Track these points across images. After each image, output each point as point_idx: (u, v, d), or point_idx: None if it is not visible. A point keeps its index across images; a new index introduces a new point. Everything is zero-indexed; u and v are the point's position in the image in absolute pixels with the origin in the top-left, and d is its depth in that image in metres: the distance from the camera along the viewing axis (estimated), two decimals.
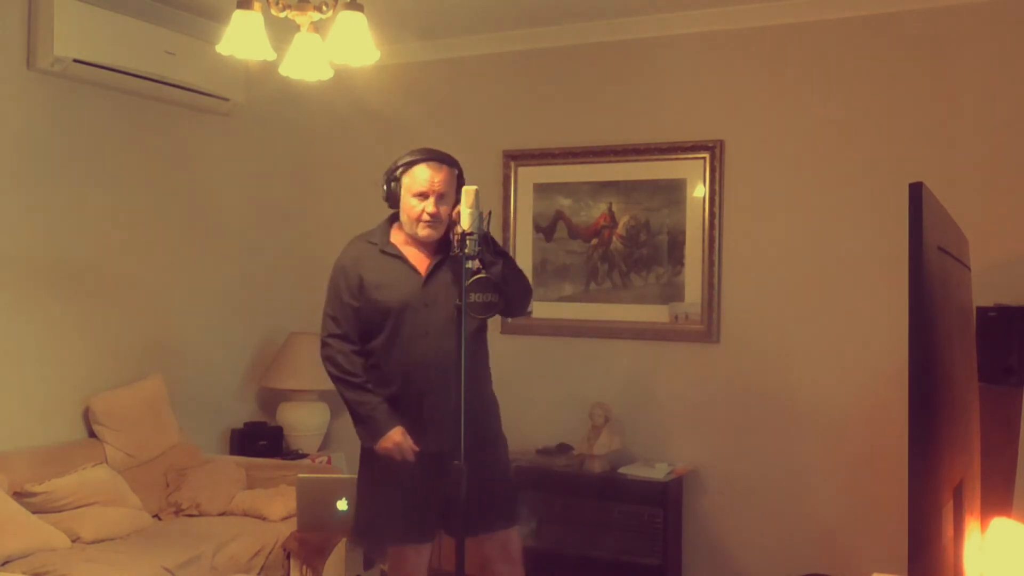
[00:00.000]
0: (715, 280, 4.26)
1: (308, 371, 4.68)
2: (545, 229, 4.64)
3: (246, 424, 4.80)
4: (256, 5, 2.67)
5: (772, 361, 4.16)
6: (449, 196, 2.92)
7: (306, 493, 3.50)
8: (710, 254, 4.26)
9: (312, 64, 2.79)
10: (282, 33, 3.05)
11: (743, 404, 4.20)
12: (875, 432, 3.89)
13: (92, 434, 3.97)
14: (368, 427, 2.91)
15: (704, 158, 4.29)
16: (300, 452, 4.79)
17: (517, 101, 4.70)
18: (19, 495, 3.43)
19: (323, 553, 3.68)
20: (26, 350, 3.81)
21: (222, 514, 3.93)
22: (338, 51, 2.68)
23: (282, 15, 2.69)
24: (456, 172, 2.98)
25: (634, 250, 4.44)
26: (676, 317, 4.35)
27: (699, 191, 4.30)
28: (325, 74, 2.84)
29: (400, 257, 2.96)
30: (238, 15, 2.66)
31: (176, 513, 3.93)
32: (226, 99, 4.53)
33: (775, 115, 4.17)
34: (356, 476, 3.11)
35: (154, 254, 4.40)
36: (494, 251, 2.88)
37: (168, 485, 4.06)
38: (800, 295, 4.12)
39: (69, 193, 3.98)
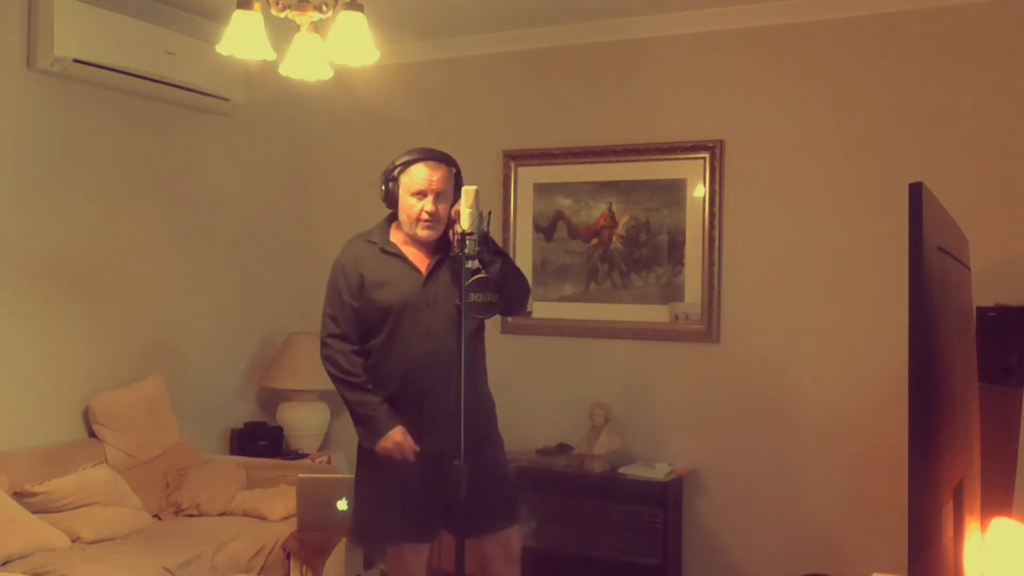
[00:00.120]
0: (715, 280, 4.26)
1: (308, 371, 4.68)
2: (545, 229, 4.64)
3: (246, 424, 4.80)
4: (256, 5, 2.67)
5: (772, 361, 4.16)
6: (447, 195, 2.92)
7: (306, 493, 3.50)
8: (710, 254, 4.26)
9: (312, 64, 2.79)
10: (282, 33, 3.05)
11: (743, 404, 4.20)
12: (875, 432, 3.89)
13: (92, 434, 3.97)
14: (368, 427, 2.91)
15: (704, 158, 4.29)
16: (300, 452, 4.79)
17: (517, 101, 4.70)
18: (19, 495, 3.43)
19: (323, 553, 3.68)
20: (26, 350, 3.81)
21: (222, 514, 3.93)
22: (338, 51, 2.68)
23: (282, 15, 2.69)
24: (454, 171, 2.97)
25: (634, 250, 4.44)
26: (676, 317, 4.35)
27: (699, 191, 4.30)
28: (325, 74, 2.84)
29: (400, 256, 2.96)
30: (238, 15, 2.66)
31: (176, 513, 3.93)
32: (226, 99, 4.53)
33: (775, 115, 4.17)
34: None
35: (154, 254, 4.39)
36: (492, 250, 2.88)
37: (168, 485, 4.06)
38: (800, 295, 4.12)
39: (69, 193, 3.98)
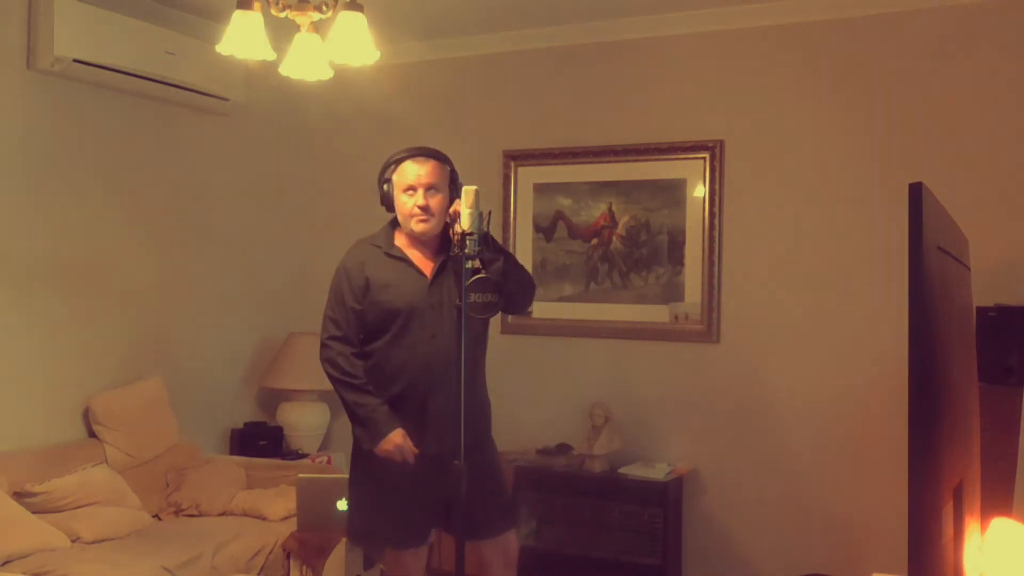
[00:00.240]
0: (715, 280, 4.26)
1: (308, 371, 4.67)
2: (545, 229, 4.64)
3: (246, 424, 4.80)
4: (256, 5, 2.67)
5: (772, 361, 4.16)
6: (439, 188, 2.92)
7: (306, 493, 3.50)
8: (710, 254, 4.26)
9: (312, 64, 2.79)
10: (282, 33, 3.05)
11: (743, 404, 4.20)
12: (874, 432, 3.89)
13: (92, 434, 3.97)
14: (369, 429, 2.90)
15: (704, 158, 4.29)
16: (300, 452, 4.79)
17: (517, 101, 4.70)
18: (19, 495, 3.43)
19: (323, 553, 3.67)
20: (26, 350, 3.81)
21: (222, 514, 3.93)
22: (338, 51, 2.68)
23: (282, 15, 2.69)
24: (445, 166, 2.97)
25: (634, 250, 4.44)
26: (676, 317, 4.35)
27: (699, 191, 4.30)
28: (325, 74, 2.84)
29: (405, 259, 2.96)
30: (238, 15, 2.66)
31: (176, 513, 3.93)
32: (226, 99, 4.53)
33: (775, 115, 4.17)
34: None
35: (154, 254, 4.40)
36: (494, 249, 2.88)
37: (168, 485, 4.07)
38: (800, 295, 4.12)
39: (69, 193, 3.98)
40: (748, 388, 4.20)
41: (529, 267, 4.56)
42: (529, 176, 4.67)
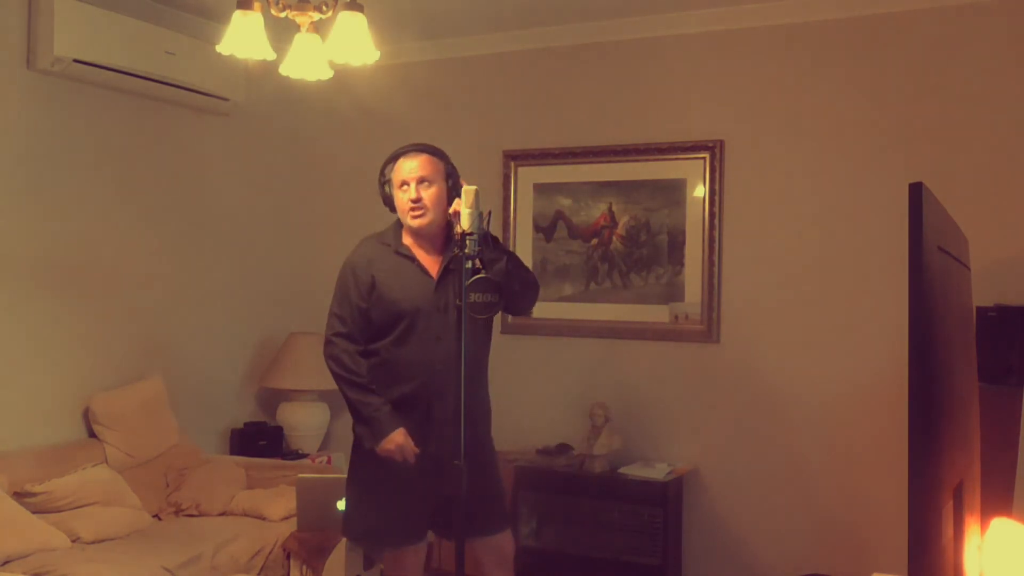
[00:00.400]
0: (715, 280, 4.26)
1: (308, 371, 4.68)
2: (545, 229, 4.64)
3: (246, 424, 4.80)
4: (256, 5, 2.67)
5: (772, 361, 4.16)
6: (432, 181, 2.92)
7: (306, 493, 3.50)
8: (710, 254, 4.26)
9: (312, 64, 2.79)
10: (282, 33, 3.05)
11: (743, 404, 4.20)
12: (875, 432, 3.89)
13: (92, 434, 3.97)
14: (371, 428, 2.89)
15: (704, 158, 4.29)
16: (300, 452, 4.79)
17: (517, 101, 4.70)
18: (19, 495, 3.43)
19: (323, 553, 3.67)
20: (26, 350, 3.81)
21: (222, 514, 3.93)
22: (338, 51, 2.69)
23: (282, 15, 2.69)
24: (439, 160, 2.97)
25: (634, 250, 4.44)
26: (676, 317, 4.35)
27: (699, 191, 4.30)
28: (325, 74, 2.84)
29: (412, 259, 2.96)
30: (238, 15, 2.66)
31: (176, 513, 3.94)
32: (226, 99, 4.53)
33: (775, 115, 4.17)
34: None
35: (154, 254, 4.40)
36: (497, 248, 2.88)
37: (168, 485, 4.07)
38: (800, 295, 4.12)
39: (69, 193, 3.98)
40: (748, 388, 4.20)
41: (529, 267, 4.56)
42: (529, 176, 4.67)
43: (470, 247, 2.66)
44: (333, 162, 5.12)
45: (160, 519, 3.90)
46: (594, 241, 4.53)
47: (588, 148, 4.51)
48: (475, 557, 2.98)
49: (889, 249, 3.84)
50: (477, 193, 2.70)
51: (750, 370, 4.20)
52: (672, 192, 4.37)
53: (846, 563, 3.89)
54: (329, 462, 4.67)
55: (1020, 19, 3.75)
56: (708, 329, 4.27)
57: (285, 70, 2.84)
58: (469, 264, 2.67)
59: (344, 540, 3.60)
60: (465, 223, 2.67)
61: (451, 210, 2.84)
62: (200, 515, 3.91)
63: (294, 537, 3.66)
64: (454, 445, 2.62)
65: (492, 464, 3.06)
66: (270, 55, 2.75)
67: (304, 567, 3.64)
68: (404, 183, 2.92)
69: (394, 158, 2.97)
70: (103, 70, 3.93)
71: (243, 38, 2.66)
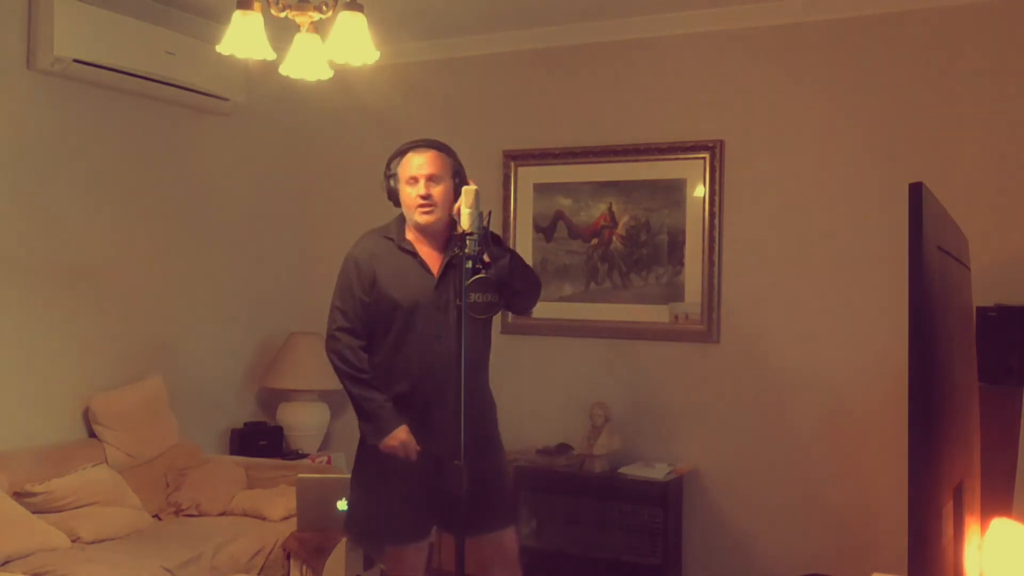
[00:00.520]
0: (715, 280, 4.26)
1: (308, 371, 4.68)
2: (545, 229, 4.64)
3: (246, 424, 4.80)
4: (256, 5, 2.67)
5: (772, 361, 4.16)
6: (441, 178, 2.92)
7: (306, 493, 3.50)
8: (710, 254, 4.26)
9: (312, 64, 2.79)
10: (282, 33, 3.05)
11: (743, 404, 4.20)
12: (874, 432, 3.89)
13: (92, 434, 3.97)
14: (374, 424, 2.89)
15: (704, 158, 4.29)
16: (300, 452, 4.79)
17: (517, 101, 4.70)
18: (19, 495, 3.44)
19: (323, 553, 3.67)
20: (26, 350, 3.81)
21: (222, 514, 3.94)
22: (338, 51, 2.69)
23: (282, 15, 2.69)
24: (447, 157, 2.97)
25: (634, 250, 4.44)
26: (676, 317, 4.35)
27: (699, 191, 4.30)
28: (325, 74, 2.84)
29: (415, 255, 2.95)
30: (238, 15, 2.66)
31: (176, 513, 3.94)
32: (226, 99, 4.53)
33: (775, 115, 4.17)
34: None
35: (154, 254, 4.40)
36: (499, 247, 2.89)
37: (168, 485, 4.07)
38: (800, 295, 4.12)
39: (69, 193, 3.98)
40: (748, 388, 4.20)
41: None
42: (529, 176, 4.67)
43: (470, 247, 2.66)
44: (333, 162, 5.12)
45: (160, 519, 3.90)
46: (594, 241, 4.53)
47: (588, 148, 4.51)
48: (479, 555, 2.99)
49: (889, 249, 3.84)
50: (477, 193, 2.70)
51: (750, 370, 4.20)
52: (672, 192, 4.37)
53: (846, 563, 3.88)
54: (329, 462, 4.67)
55: (1020, 19, 3.75)
56: (708, 329, 4.27)
57: (285, 70, 2.84)
58: (470, 264, 2.67)
59: (344, 540, 3.61)
60: (465, 223, 2.67)
61: (454, 209, 2.84)
62: (200, 515, 3.91)
63: (294, 537, 3.66)
64: (454, 444, 2.62)
65: (497, 462, 3.06)
66: (270, 55, 2.75)
67: (304, 567, 3.64)
68: (413, 179, 2.91)
69: (401, 152, 2.97)
70: (103, 70, 3.93)
71: (243, 38, 2.66)
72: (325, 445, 4.98)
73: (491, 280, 2.85)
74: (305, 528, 3.57)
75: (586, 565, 4.11)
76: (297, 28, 2.74)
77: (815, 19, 4.08)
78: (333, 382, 4.66)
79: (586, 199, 4.54)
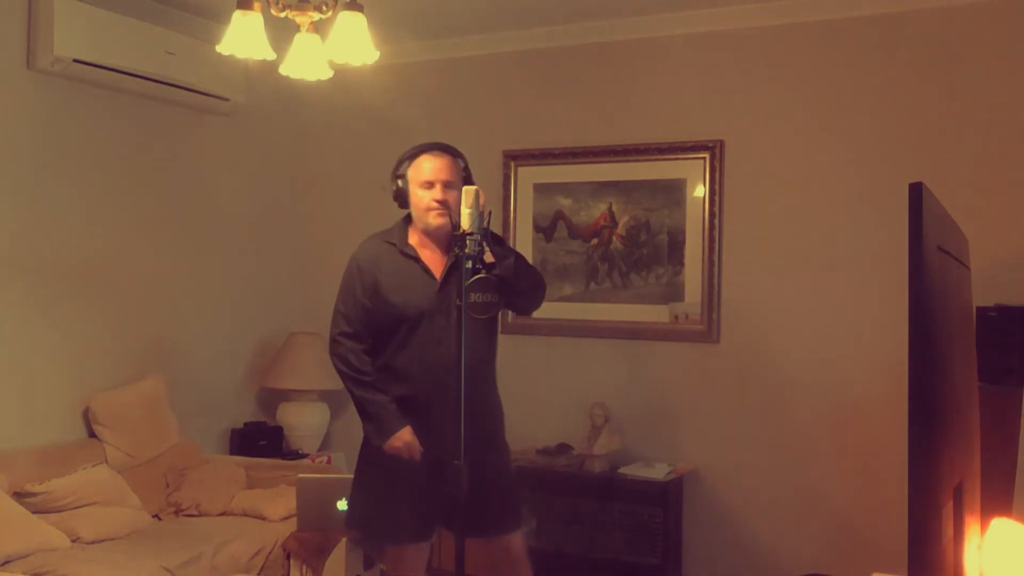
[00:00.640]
0: (715, 280, 4.26)
1: (308, 371, 4.68)
2: (545, 229, 4.64)
3: (246, 424, 4.80)
4: (256, 5, 2.67)
5: (772, 361, 4.16)
6: (455, 184, 2.92)
7: (306, 493, 3.50)
8: (710, 254, 4.26)
9: (312, 64, 2.79)
10: (282, 33, 3.05)
11: (743, 404, 4.20)
12: (874, 432, 3.89)
13: (92, 434, 3.97)
14: (378, 425, 2.90)
15: (704, 158, 4.29)
16: (300, 452, 4.79)
17: (517, 101, 4.70)
18: (19, 495, 3.44)
19: (323, 553, 3.68)
20: (26, 350, 3.81)
21: (222, 514, 3.94)
22: (338, 51, 2.69)
23: (282, 15, 2.69)
24: (459, 162, 2.98)
25: (634, 250, 4.44)
26: (676, 317, 4.35)
27: (699, 191, 4.30)
28: (325, 74, 2.84)
29: (417, 259, 2.95)
30: (238, 15, 2.66)
31: (176, 513, 3.94)
32: (226, 99, 4.53)
33: (775, 115, 4.17)
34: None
35: (154, 254, 4.40)
36: (503, 247, 2.90)
37: (168, 485, 4.07)
38: (800, 295, 4.12)
39: (69, 193, 3.98)
40: (748, 388, 4.20)
41: None
42: (529, 176, 4.67)
43: (470, 247, 2.66)
44: (333, 162, 5.12)
45: (160, 519, 3.90)
46: (594, 241, 4.53)
47: (588, 148, 4.51)
48: (487, 558, 2.99)
49: (889, 249, 3.84)
50: (477, 193, 2.70)
51: (750, 370, 4.20)
52: (672, 192, 4.37)
53: (846, 563, 3.88)
54: (329, 462, 4.67)
55: (1020, 19, 3.75)
56: (708, 329, 4.27)
57: (285, 70, 2.84)
58: (470, 264, 2.68)
59: (344, 540, 3.61)
60: (465, 223, 2.67)
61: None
62: (200, 515, 3.91)
63: (294, 537, 3.66)
64: (456, 445, 2.62)
65: (503, 465, 3.06)
66: (270, 55, 2.75)
67: (304, 567, 3.64)
68: (429, 183, 2.91)
69: (413, 155, 2.96)
70: (103, 70, 3.93)
71: (243, 38, 2.66)
72: (325, 445, 4.98)
73: (491, 280, 2.86)
74: (305, 528, 3.56)
75: (586, 565, 4.11)
76: (297, 28, 2.74)
77: (815, 19, 4.08)
78: (333, 382, 4.68)
79: (586, 199, 4.54)
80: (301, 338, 4.74)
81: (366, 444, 2.99)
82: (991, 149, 3.79)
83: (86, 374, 4.03)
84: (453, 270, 2.90)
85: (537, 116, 4.65)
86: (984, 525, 1.72)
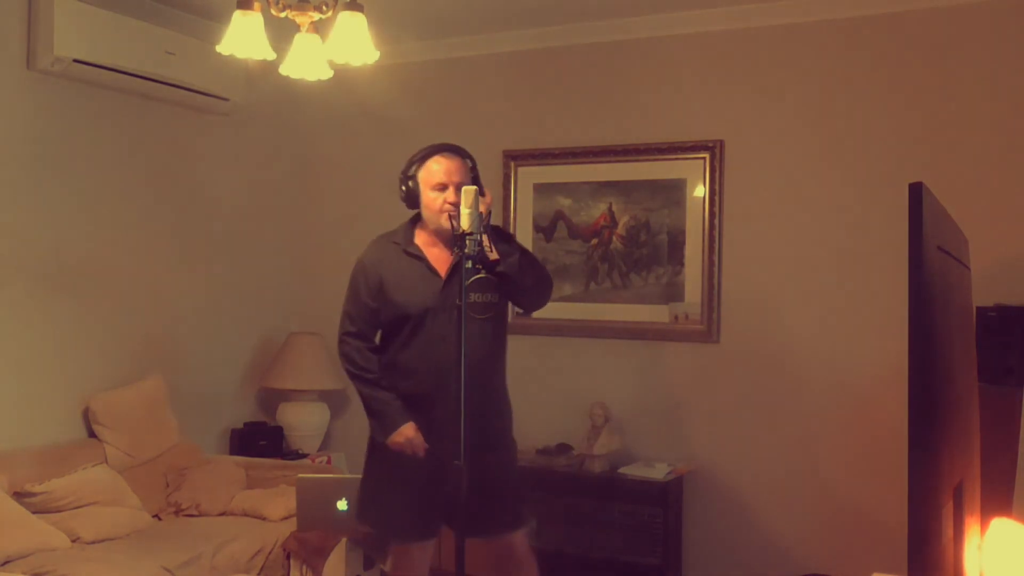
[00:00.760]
0: (715, 280, 4.26)
1: (308, 371, 4.68)
2: (545, 229, 4.63)
3: (246, 424, 4.80)
4: (256, 5, 2.67)
5: (772, 361, 4.16)
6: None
7: (306, 493, 3.50)
8: (710, 254, 4.26)
9: (312, 64, 2.79)
10: (282, 33, 3.05)
11: (743, 404, 4.20)
12: (874, 432, 3.89)
13: (92, 434, 3.97)
14: (381, 421, 2.95)
15: (704, 158, 4.29)
16: (300, 452, 4.79)
17: (517, 101, 4.70)
18: (19, 495, 3.44)
19: (323, 553, 3.68)
20: (26, 350, 3.81)
21: (222, 514, 3.94)
22: (338, 51, 2.69)
23: (282, 15, 2.69)
24: (469, 163, 3.02)
25: (634, 250, 4.44)
26: (676, 317, 4.35)
27: (699, 191, 4.30)
28: (325, 74, 2.84)
29: (422, 259, 2.97)
30: (238, 15, 2.66)
31: (176, 513, 3.94)
32: (226, 99, 4.53)
33: (775, 115, 4.17)
34: (357, 476, 3.13)
35: (154, 254, 4.40)
36: (510, 243, 2.91)
37: (168, 485, 4.07)
38: (800, 295, 4.12)
39: (69, 193, 3.98)
40: (748, 388, 4.20)
41: None
42: (529, 176, 4.67)
43: (470, 247, 2.66)
44: (333, 162, 5.12)
45: (160, 519, 3.90)
46: (594, 241, 4.53)
47: (588, 148, 4.51)
48: (490, 558, 3.01)
49: (889, 249, 3.84)
50: (477, 193, 2.70)
51: (750, 370, 4.20)
52: (672, 192, 4.37)
53: (846, 563, 3.88)
54: (329, 462, 4.67)
55: (1020, 19, 3.75)
56: (708, 329, 4.27)
57: (285, 70, 2.84)
58: (470, 264, 2.68)
59: (344, 540, 3.61)
60: (465, 223, 2.67)
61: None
62: (200, 515, 3.91)
63: (294, 537, 3.66)
64: (458, 443, 2.63)
65: (508, 464, 3.07)
66: (270, 55, 2.75)
67: (304, 567, 3.64)
68: (442, 184, 2.93)
69: (424, 157, 2.97)
70: (103, 70, 3.93)
71: (243, 38, 2.66)
72: (325, 445, 4.98)
73: (491, 280, 2.87)
74: (305, 528, 3.57)
75: (586, 565, 4.11)
76: (297, 28, 2.74)
77: (815, 19, 4.08)
78: (333, 382, 4.70)
79: (586, 199, 4.54)
80: (301, 338, 4.74)
81: (373, 441, 3.03)
82: (991, 149, 3.79)
83: (86, 374, 4.03)
84: (458, 268, 2.92)
85: (537, 116, 4.65)
86: (984, 525, 1.72)
